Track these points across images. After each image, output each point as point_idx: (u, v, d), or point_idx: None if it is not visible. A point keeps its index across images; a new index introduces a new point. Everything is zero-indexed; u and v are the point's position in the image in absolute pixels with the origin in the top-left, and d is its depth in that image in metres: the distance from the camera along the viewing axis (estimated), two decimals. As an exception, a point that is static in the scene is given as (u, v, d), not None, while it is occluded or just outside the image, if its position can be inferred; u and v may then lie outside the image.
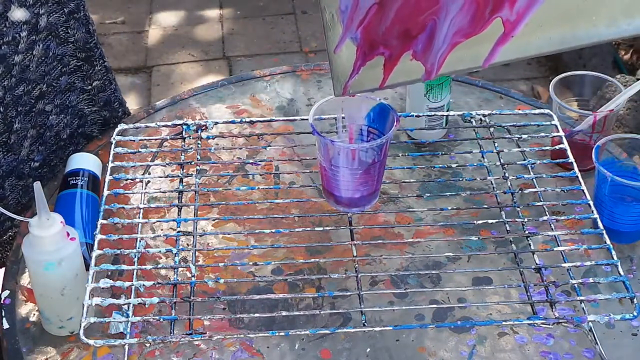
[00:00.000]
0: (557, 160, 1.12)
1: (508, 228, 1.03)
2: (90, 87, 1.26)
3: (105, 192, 1.03)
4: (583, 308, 0.94)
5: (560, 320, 0.90)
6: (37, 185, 0.91)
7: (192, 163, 1.11)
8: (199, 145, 1.12)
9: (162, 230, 1.10)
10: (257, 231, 1.05)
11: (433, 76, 0.89)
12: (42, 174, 1.24)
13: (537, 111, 1.20)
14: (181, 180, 1.08)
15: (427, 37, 0.87)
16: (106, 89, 1.29)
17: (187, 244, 1.06)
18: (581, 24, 0.85)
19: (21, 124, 1.18)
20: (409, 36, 0.88)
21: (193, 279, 0.96)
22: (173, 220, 1.04)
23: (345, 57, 0.90)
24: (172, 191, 1.08)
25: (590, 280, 0.95)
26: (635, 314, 0.90)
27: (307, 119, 0.98)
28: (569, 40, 0.86)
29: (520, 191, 1.07)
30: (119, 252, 0.97)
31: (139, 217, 1.04)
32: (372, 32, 0.88)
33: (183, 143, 1.13)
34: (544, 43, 0.86)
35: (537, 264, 0.97)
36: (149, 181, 1.15)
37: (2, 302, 1.02)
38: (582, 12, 0.85)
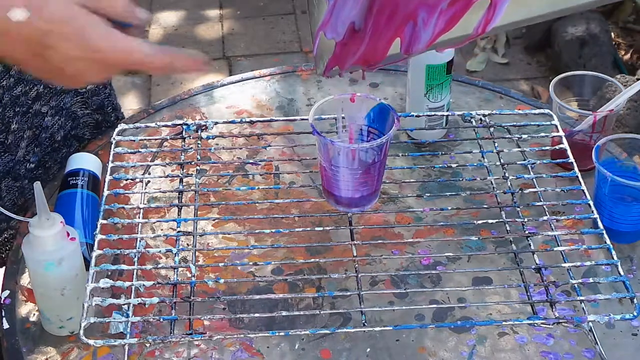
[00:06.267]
0: (557, 160, 1.12)
1: (508, 228, 1.03)
2: (84, 89, 1.26)
3: (105, 192, 1.03)
4: (583, 308, 0.94)
5: (560, 320, 0.90)
6: (37, 185, 0.91)
7: (192, 163, 1.11)
8: (199, 145, 1.12)
9: (162, 230, 1.10)
10: (257, 231, 1.05)
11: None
12: (37, 175, 1.23)
13: (537, 111, 1.20)
14: (181, 180, 1.08)
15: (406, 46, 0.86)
16: (100, 92, 1.29)
17: (187, 244, 1.06)
18: None
19: (18, 124, 1.17)
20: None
21: (193, 279, 0.96)
22: (173, 220, 1.04)
23: None
24: (172, 191, 1.08)
25: (590, 280, 0.95)
26: (635, 314, 0.90)
27: (307, 119, 0.98)
28: (559, 2, 0.85)
29: (520, 191, 1.07)
30: (119, 252, 0.97)
31: (139, 217, 1.04)
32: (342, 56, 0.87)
33: (183, 143, 1.13)
34: (535, 8, 0.84)
35: (537, 264, 0.97)
36: (149, 181, 1.15)
37: (2, 302, 1.02)
38: None
